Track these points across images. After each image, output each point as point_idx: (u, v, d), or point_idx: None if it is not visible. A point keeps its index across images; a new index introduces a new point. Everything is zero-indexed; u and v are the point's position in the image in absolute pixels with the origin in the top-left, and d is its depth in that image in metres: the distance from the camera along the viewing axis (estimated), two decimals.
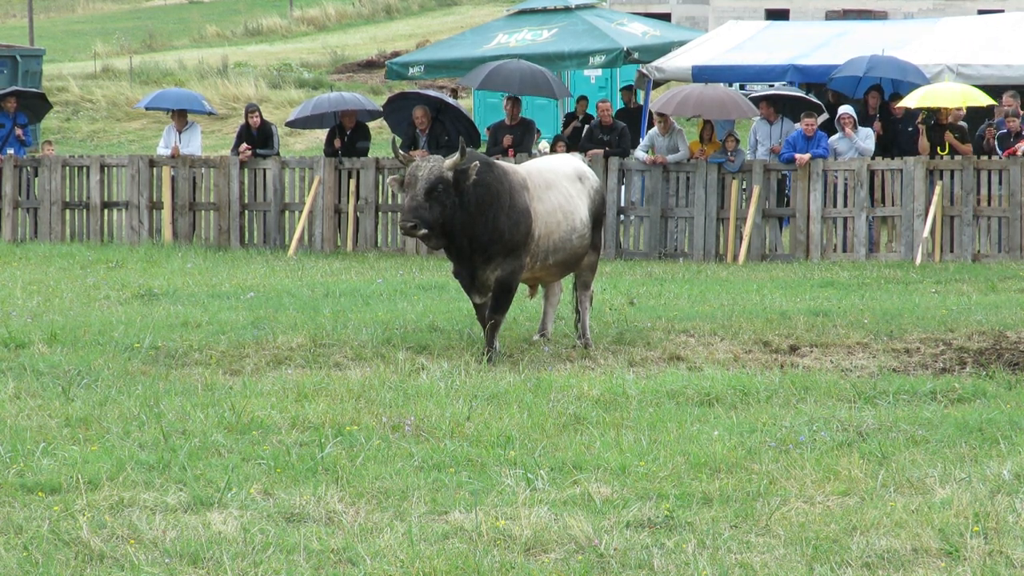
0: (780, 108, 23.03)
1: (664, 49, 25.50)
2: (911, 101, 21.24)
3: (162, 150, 24.01)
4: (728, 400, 11.50)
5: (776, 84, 26.40)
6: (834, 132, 21.92)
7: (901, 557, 7.84)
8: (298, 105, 26.89)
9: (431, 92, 24.39)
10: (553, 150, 22.38)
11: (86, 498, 8.65)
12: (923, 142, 21.34)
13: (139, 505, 8.59)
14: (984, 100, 21.52)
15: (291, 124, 24.70)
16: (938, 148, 21.36)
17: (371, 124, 23.97)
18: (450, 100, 23.54)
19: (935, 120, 21.39)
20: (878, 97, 22.31)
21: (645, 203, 22.20)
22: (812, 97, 24.12)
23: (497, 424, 10.53)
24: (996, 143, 21.32)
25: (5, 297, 16.62)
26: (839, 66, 22.42)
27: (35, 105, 25.41)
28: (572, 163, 14.29)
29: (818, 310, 15.39)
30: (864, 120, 22.08)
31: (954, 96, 21.31)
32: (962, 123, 21.81)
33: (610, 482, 9.17)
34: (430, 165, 12.84)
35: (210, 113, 27.57)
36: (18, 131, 24.31)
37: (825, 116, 22.88)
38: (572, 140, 23.48)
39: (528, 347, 13.77)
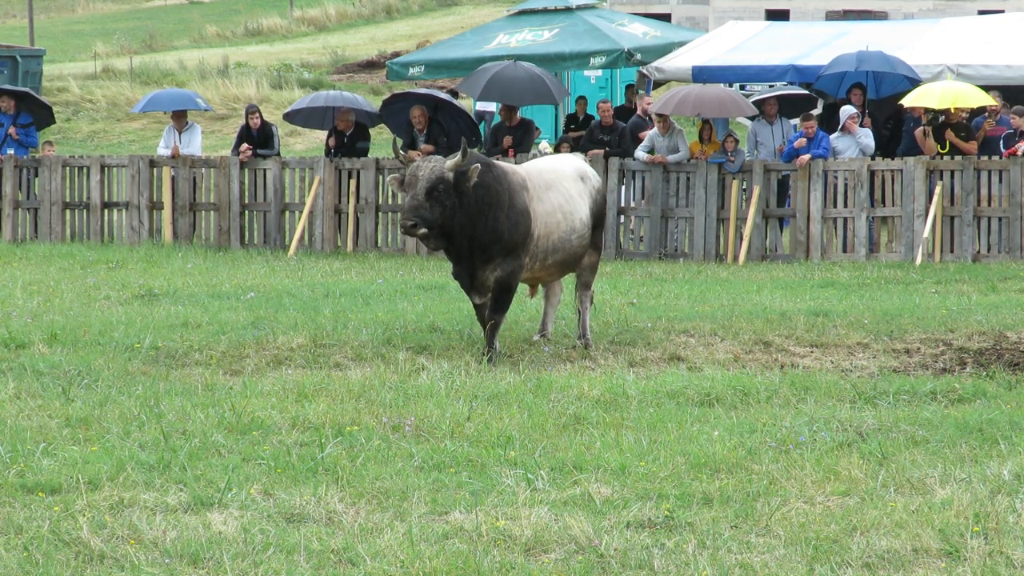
0: (780, 108, 23.05)
1: (664, 49, 25.50)
2: (930, 101, 21.09)
3: (162, 150, 24.01)
4: (728, 400, 11.51)
5: (776, 84, 26.40)
6: (832, 131, 21.93)
7: (901, 557, 7.84)
8: None
9: (425, 91, 24.36)
10: (557, 150, 22.37)
11: (86, 498, 8.65)
12: (929, 142, 21.30)
13: (139, 505, 8.60)
14: (991, 100, 21.48)
15: (288, 117, 24.63)
16: (938, 147, 21.34)
17: (374, 131, 23.99)
18: (447, 97, 23.54)
19: (943, 119, 21.33)
20: (860, 96, 22.26)
21: (645, 203, 22.20)
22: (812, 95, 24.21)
23: (497, 424, 10.53)
24: (1001, 142, 21.30)
25: (5, 297, 16.62)
26: (827, 65, 22.37)
27: (41, 115, 25.29)
28: (574, 163, 14.29)
29: (818, 310, 15.39)
30: None
31: (974, 96, 21.24)
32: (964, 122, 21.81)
33: (610, 482, 9.17)
34: (431, 165, 12.85)
35: (206, 111, 27.51)
36: (11, 129, 24.21)
37: (819, 111, 22.93)
38: (574, 141, 23.46)
39: (528, 347, 13.77)
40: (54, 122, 26.81)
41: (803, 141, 21.45)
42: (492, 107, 30.36)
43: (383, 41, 53.93)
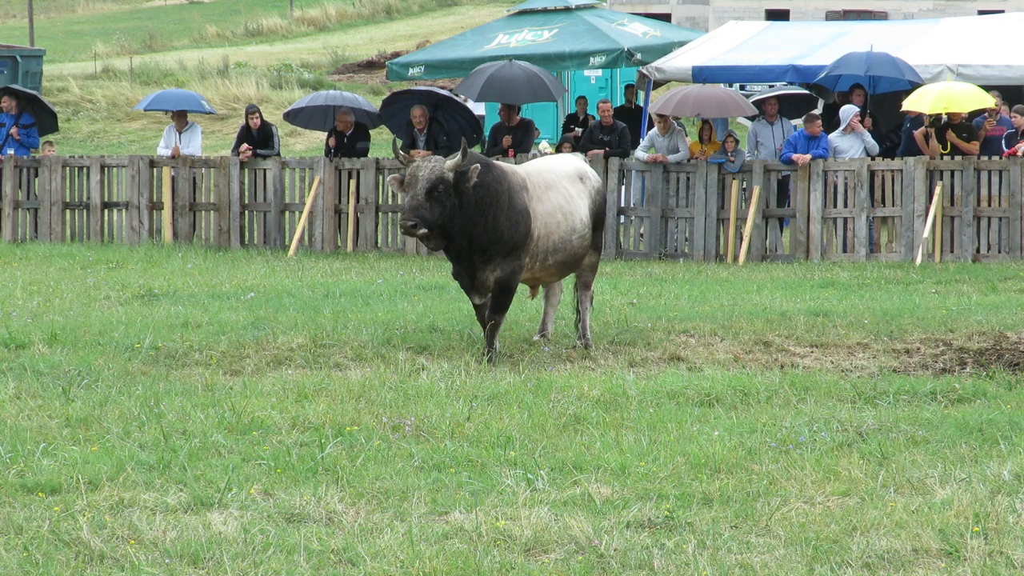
0: (780, 108, 23.07)
1: (664, 49, 25.51)
2: (923, 105, 21.10)
3: (162, 150, 24.01)
4: (728, 400, 11.51)
5: (776, 84, 26.38)
6: (832, 131, 21.92)
7: (901, 557, 7.84)
8: None
9: (424, 88, 24.36)
10: (558, 150, 22.36)
11: (86, 498, 8.65)
12: (934, 144, 21.26)
13: (139, 505, 8.60)
14: (991, 101, 21.46)
15: (288, 117, 24.65)
16: (939, 147, 21.33)
17: (374, 131, 23.97)
18: (447, 94, 23.54)
19: (946, 119, 21.30)
20: (862, 95, 22.27)
21: (645, 203, 22.20)
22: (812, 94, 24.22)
23: (497, 424, 10.53)
24: (1003, 141, 21.29)
25: (5, 297, 16.62)
26: (833, 64, 22.34)
27: (45, 120, 25.23)
28: (573, 163, 14.29)
29: (818, 310, 15.40)
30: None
31: (969, 99, 21.23)
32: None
33: (610, 482, 9.17)
34: (431, 165, 12.85)
35: (209, 113, 27.56)
36: (13, 129, 24.20)
37: (818, 111, 22.94)
38: (575, 141, 23.46)
39: (528, 347, 13.77)
40: (57, 130, 26.82)
41: (797, 156, 21.41)
42: (481, 109, 30.40)
43: (383, 41, 53.94)
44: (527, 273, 13.60)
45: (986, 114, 21.76)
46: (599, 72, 34.16)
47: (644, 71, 24.08)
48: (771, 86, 27.40)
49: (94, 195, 23.68)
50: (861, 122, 21.83)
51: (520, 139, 22.52)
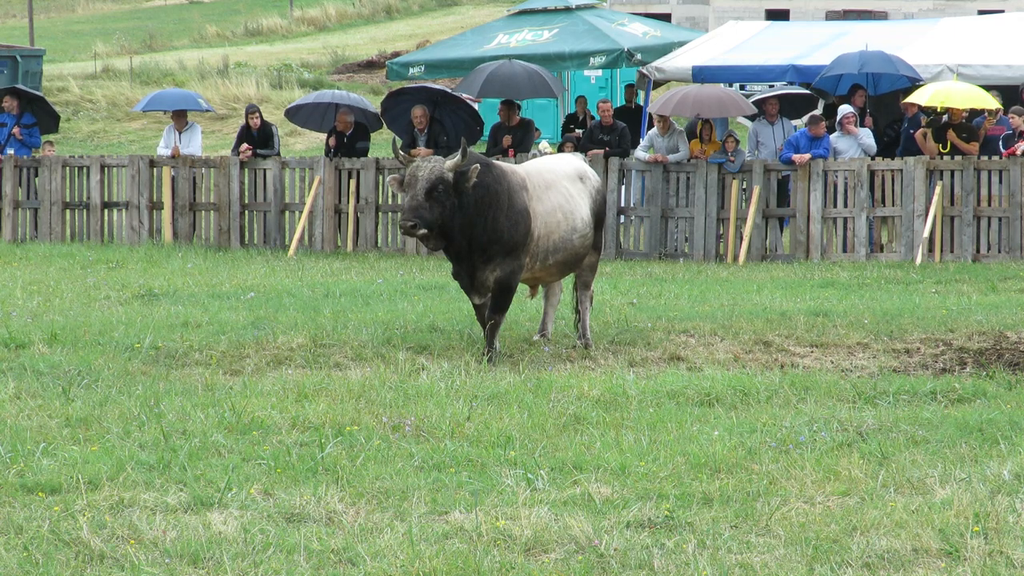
0: (780, 108, 23.07)
1: (664, 49, 25.52)
2: (921, 98, 21.13)
3: (162, 150, 24.01)
4: (728, 400, 11.51)
5: (776, 84, 26.39)
6: (831, 131, 21.93)
7: (901, 557, 7.84)
8: None
9: (422, 86, 24.37)
10: (560, 151, 22.36)
11: (86, 498, 8.65)
12: (930, 143, 21.26)
13: (139, 505, 8.60)
14: (992, 103, 21.45)
15: (289, 114, 24.65)
16: (939, 147, 21.33)
17: (376, 132, 24.00)
18: (444, 89, 23.56)
19: (947, 119, 21.30)
20: (864, 96, 22.29)
21: (645, 203, 22.21)
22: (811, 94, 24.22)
23: (497, 424, 10.53)
24: (1001, 142, 21.29)
25: (5, 297, 16.62)
26: (828, 66, 22.34)
27: (45, 120, 25.23)
28: (573, 163, 14.29)
29: (818, 310, 15.40)
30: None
31: (966, 97, 21.24)
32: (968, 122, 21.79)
33: (610, 482, 9.17)
34: (431, 165, 12.85)
35: (207, 111, 27.54)
36: (15, 129, 24.21)
37: (819, 112, 22.93)
38: (577, 141, 23.48)
39: (528, 347, 13.77)
40: (56, 131, 26.82)
41: (797, 156, 21.39)
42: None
43: (383, 41, 53.94)
44: (527, 273, 13.60)
45: (986, 114, 21.76)
46: (599, 72, 34.18)
47: (644, 71, 24.08)
48: (771, 86, 27.40)
49: (94, 195, 23.68)
50: (862, 122, 21.82)
51: (520, 139, 22.53)
